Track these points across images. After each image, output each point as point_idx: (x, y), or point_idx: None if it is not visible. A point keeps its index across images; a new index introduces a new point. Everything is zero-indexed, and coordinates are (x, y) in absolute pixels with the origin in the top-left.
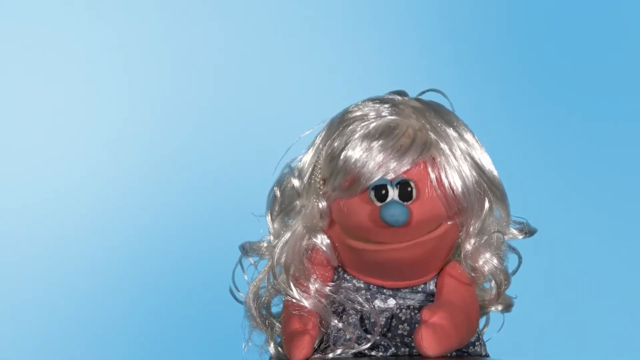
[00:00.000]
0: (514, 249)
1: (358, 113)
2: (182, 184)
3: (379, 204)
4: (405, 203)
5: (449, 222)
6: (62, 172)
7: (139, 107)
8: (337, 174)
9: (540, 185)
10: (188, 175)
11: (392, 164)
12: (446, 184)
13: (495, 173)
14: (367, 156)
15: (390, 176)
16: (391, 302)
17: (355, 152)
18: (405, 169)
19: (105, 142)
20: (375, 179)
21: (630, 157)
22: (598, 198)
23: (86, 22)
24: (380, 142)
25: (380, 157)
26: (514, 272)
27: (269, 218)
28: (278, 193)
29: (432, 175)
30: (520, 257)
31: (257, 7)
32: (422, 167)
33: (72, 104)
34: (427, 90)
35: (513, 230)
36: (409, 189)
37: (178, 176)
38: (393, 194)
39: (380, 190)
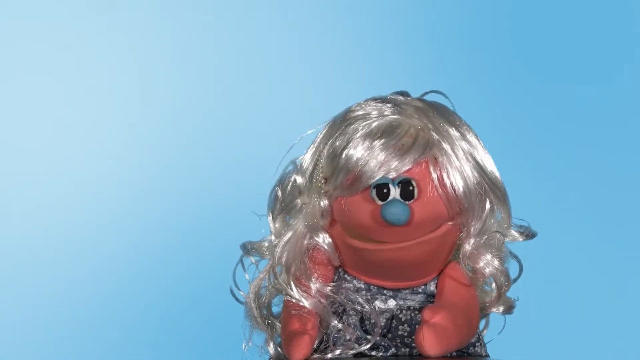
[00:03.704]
0: (515, 257)
1: (360, 112)
2: (182, 185)
3: (380, 202)
4: (406, 202)
5: (450, 223)
6: (64, 173)
7: (141, 108)
8: (338, 173)
9: (542, 187)
10: (188, 176)
11: (394, 163)
12: (448, 184)
13: (497, 174)
14: (368, 155)
15: (392, 175)
16: (391, 303)
17: (357, 150)
18: (406, 168)
19: (107, 146)
20: (377, 177)
21: (634, 158)
22: (600, 200)
23: (95, 24)
24: (382, 140)
25: (382, 156)
26: (515, 279)
27: (270, 218)
28: (279, 193)
29: (434, 175)
30: (521, 266)
31: (258, 8)
32: (424, 166)
33: (78, 105)
34: (429, 92)
35: (514, 232)
36: (411, 187)
37: (178, 177)
38: (395, 192)
39: (381, 189)
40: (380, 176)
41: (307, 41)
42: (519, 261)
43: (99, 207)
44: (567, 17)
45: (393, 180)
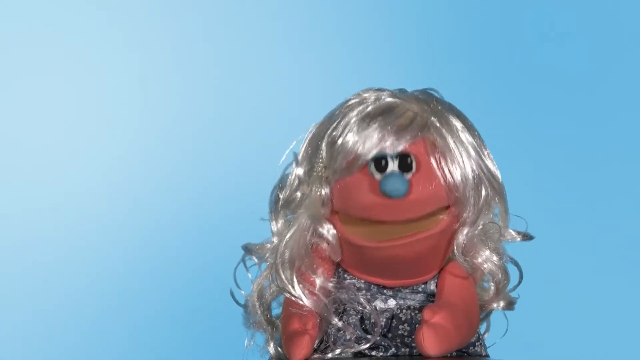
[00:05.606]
0: (515, 263)
1: (357, 100)
2: (183, 186)
3: (378, 176)
4: (405, 174)
5: (446, 217)
6: (65, 174)
7: (143, 111)
8: (337, 156)
9: (542, 185)
10: (189, 178)
11: (390, 139)
12: (446, 170)
13: (495, 167)
14: (365, 134)
15: (390, 150)
16: (391, 303)
17: (354, 132)
18: (403, 145)
19: (109, 148)
20: (374, 152)
21: (634, 158)
22: (601, 199)
23: (97, 25)
24: (379, 119)
25: (378, 134)
26: (515, 287)
27: (271, 219)
28: (279, 194)
29: (432, 159)
30: (521, 272)
31: (258, 8)
32: (422, 145)
33: (80, 107)
34: (427, 91)
35: (512, 231)
36: (409, 160)
37: (179, 179)
38: (393, 165)
39: (380, 162)
40: (377, 151)
41: (306, 43)
42: (518, 267)
43: (100, 209)
44: (567, 15)
45: (391, 154)
